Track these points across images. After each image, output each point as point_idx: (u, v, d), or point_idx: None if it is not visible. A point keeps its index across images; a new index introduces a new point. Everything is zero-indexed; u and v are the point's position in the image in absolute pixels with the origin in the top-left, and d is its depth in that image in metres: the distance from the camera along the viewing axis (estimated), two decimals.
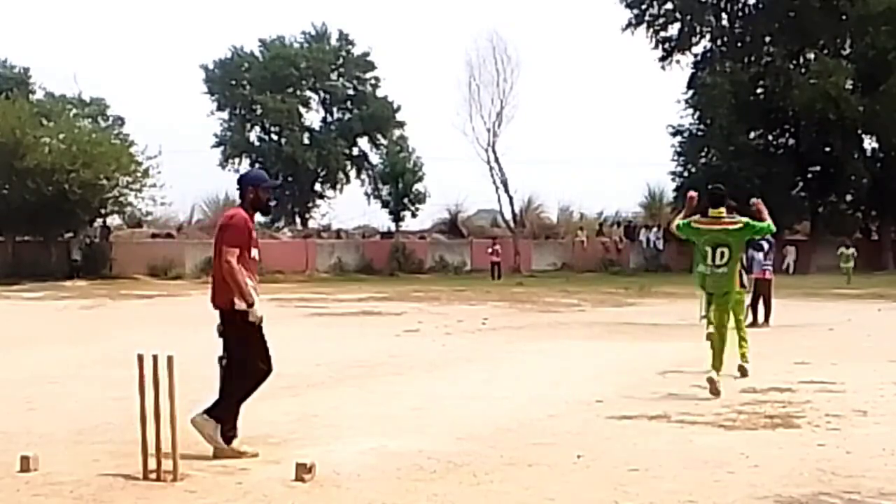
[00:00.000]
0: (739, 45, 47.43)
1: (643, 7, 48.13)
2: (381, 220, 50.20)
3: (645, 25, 48.37)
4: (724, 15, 48.50)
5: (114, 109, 45.77)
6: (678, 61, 48.99)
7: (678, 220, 9.85)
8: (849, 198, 46.67)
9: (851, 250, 36.89)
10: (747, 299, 14.20)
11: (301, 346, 13.79)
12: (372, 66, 53.66)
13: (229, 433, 6.49)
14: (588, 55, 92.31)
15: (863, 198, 45.61)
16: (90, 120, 44.21)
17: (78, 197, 39.60)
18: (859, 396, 8.82)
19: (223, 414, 6.53)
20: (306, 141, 51.83)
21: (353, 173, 54.21)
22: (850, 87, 42.39)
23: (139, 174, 42.62)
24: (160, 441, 5.86)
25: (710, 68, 45.75)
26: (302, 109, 52.77)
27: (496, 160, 46.65)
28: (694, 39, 48.98)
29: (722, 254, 9.24)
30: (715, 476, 5.93)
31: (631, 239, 47.24)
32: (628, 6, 47.97)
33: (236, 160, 52.53)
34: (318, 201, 54.75)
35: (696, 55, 48.89)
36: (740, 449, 6.62)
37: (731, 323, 10.02)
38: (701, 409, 8.17)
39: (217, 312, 6.78)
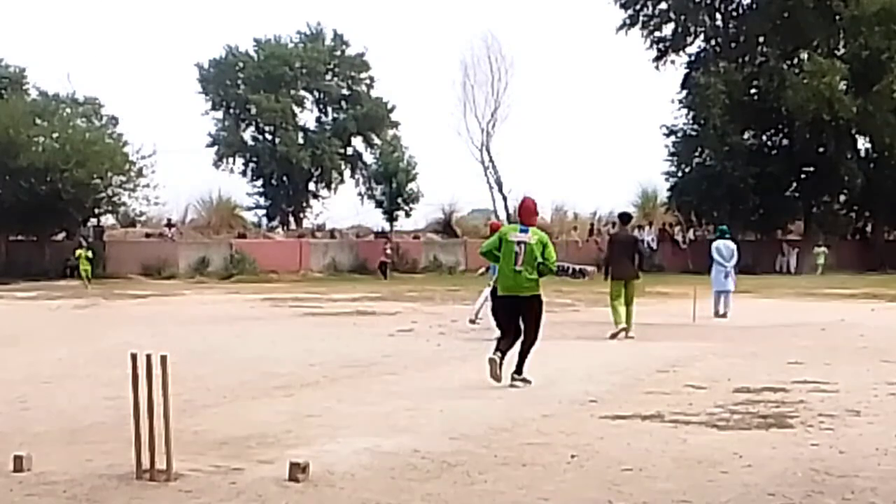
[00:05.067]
0: (733, 45, 47.48)
1: (637, 7, 48.15)
2: (374, 219, 50.22)
3: (639, 25, 48.42)
4: (717, 15, 48.55)
5: (108, 109, 45.55)
6: (672, 61, 49.05)
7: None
8: (842, 198, 46.73)
9: (823, 249, 42.54)
10: None
11: (295, 346, 13.80)
12: (366, 67, 53.57)
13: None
14: (582, 55, 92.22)
15: (856, 198, 45.68)
16: (84, 119, 44.07)
17: (71, 196, 39.57)
18: (853, 396, 8.83)
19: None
20: (300, 140, 51.67)
21: (347, 173, 54.18)
22: (844, 87, 42.42)
23: (133, 174, 42.60)
24: (154, 441, 5.85)
25: (703, 68, 45.77)
26: (296, 109, 52.63)
27: (490, 160, 46.77)
28: (688, 39, 49.00)
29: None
30: (708, 476, 5.94)
31: None
32: (622, 6, 48.01)
33: (230, 160, 52.44)
34: (312, 201, 54.70)
35: (689, 55, 48.93)
36: (734, 448, 6.62)
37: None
38: (694, 409, 8.18)
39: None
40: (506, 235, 9.84)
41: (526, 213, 10.00)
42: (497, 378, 9.44)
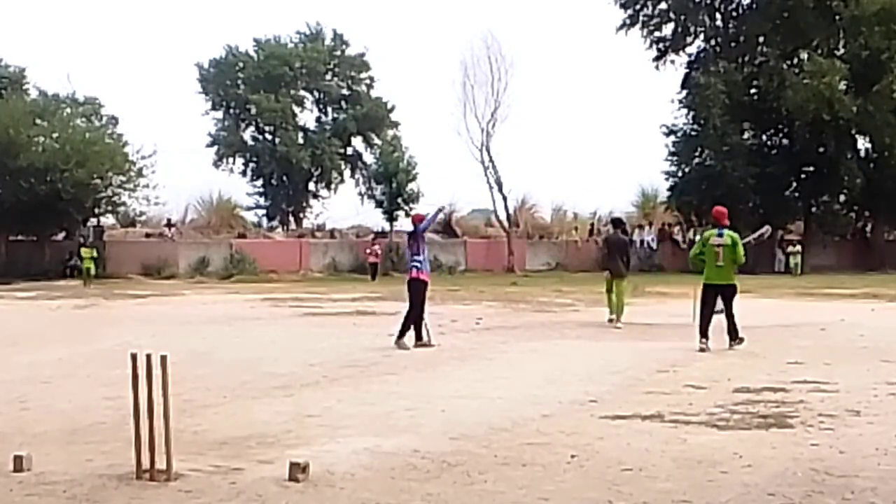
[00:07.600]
0: (733, 45, 47.47)
1: (637, 7, 48.15)
2: (374, 219, 50.19)
3: (639, 25, 48.42)
4: (717, 15, 48.52)
5: (108, 109, 45.57)
6: (672, 61, 49.03)
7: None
8: (842, 198, 46.70)
9: (798, 248, 43.43)
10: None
11: (295, 346, 13.79)
12: (366, 67, 53.58)
13: None
14: (582, 55, 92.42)
15: (856, 198, 45.67)
16: (84, 119, 44.08)
17: (71, 196, 39.58)
18: (853, 396, 8.83)
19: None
20: (300, 140, 51.67)
21: (347, 173, 54.20)
22: (844, 87, 42.39)
23: (133, 174, 42.61)
24: (154, 441, 5.85)
25: (703, 68, 45.75)
26: (296, 109, 52.63)
27: (490, 160, 46.68)
28: (688, 39, 48.99)
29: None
30: (708, 476, 5.94)
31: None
32: (622, 6, 47.99)
33: (230, 160, 52.48)
34: (312, 201, 54.74)
35: (689, 55, 48.92)
36: (734, 448, 6.62)
37: None
38: (694, 409, 8.18)
39: None
40: (707, 240, 13.26)
41: (719, 216, 13.45)
42: (738, 341, 12.95)
